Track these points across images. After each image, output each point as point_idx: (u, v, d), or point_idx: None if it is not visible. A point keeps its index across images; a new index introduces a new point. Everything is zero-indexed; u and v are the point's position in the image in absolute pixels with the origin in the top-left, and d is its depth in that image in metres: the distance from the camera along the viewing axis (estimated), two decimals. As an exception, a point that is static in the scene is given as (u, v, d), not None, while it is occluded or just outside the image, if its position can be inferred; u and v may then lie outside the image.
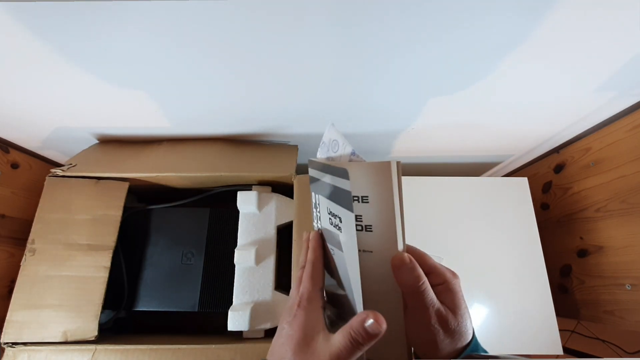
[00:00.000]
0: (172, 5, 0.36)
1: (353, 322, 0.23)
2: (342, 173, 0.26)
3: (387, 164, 0.26)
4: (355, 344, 0.23)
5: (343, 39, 0.42)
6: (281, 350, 0.25)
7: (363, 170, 0.27)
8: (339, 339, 0.24)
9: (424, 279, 0.27)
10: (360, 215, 0.27)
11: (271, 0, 0.36)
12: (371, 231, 0.27)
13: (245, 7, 0.37)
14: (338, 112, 0.61)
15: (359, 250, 0.27)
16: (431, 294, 0.27)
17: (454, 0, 0.36)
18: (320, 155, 0.33)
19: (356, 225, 0.27)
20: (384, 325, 0.23)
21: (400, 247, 0.27)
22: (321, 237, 0.31)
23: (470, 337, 0.28)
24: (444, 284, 0.28)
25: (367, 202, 0.27)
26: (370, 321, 0.23)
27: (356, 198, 0.27)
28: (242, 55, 0.45)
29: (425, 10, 0.38)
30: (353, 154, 0.28)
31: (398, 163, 0.26)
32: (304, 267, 0.29)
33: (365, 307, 0.26)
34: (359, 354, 0.24)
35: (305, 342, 0.25)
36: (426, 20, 0.39)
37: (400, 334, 0.28)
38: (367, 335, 0.23)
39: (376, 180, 0.26)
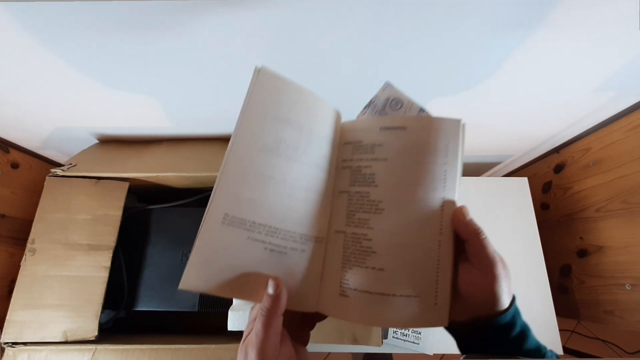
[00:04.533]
0: (172, 4, 0.36)
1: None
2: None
3: (457, 120, 0.28)
4: (265, 318, 0.25)
5: (347, 38, 0.42)
6: None
7: (437, 123, 0.28)
8: (256, 324, 0.26)
9: (484, 230, 0.27)
10: None
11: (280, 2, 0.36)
12: None
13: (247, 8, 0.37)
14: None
15: None
16: (491, 245, 0.27)
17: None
18: (370, 114, 0.32)
19: None
20: (279, 288, 0.25)
21: (457, 199, 0.28)
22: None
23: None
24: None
25: None
26: (270, 290, 0.26)
27: None
28: (242, 55, 0.45)
29: (424, 7, 0.38)
30: (422, 110, 0.29)
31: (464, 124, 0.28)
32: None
33: (408, 270, 0.27)
34: (275, 320, 0.26)
35: None
36: (425, 16, 0.39)
37: (445, 294, 0.26)
38: (268, 302, 0.25)
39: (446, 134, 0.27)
